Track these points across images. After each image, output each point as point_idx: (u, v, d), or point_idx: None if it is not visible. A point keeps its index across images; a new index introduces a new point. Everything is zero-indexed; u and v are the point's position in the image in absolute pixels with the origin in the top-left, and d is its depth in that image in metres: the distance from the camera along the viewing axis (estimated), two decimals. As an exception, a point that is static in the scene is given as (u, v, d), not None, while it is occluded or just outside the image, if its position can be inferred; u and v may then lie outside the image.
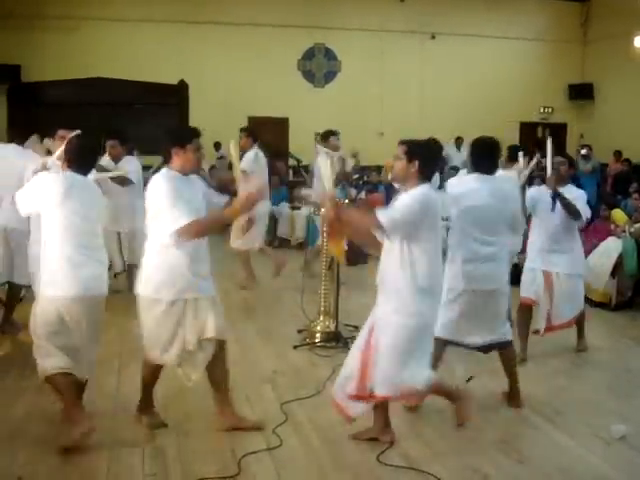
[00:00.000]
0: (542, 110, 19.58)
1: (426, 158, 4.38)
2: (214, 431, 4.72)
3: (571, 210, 6.04)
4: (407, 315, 4.28)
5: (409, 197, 4.28)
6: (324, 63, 18.37)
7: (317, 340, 6.82)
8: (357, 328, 7.14)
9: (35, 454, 4.39)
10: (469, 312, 5.11)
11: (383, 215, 4.20)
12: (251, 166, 8.71)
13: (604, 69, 18.48)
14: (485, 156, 5.26)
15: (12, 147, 6.79)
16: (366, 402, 4.50)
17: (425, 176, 4.37)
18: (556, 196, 5.99)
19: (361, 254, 11.11)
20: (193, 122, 16.91)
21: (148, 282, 4.48)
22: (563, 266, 6.25)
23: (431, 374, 4.41)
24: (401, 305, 4.31)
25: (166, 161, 4.56)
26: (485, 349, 5.29)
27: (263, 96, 16.90)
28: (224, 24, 16.84)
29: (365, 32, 17.92)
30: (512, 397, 5.34)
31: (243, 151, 8.77)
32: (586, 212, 6.18)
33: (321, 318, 6.99)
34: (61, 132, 6.08)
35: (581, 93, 19.35)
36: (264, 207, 8.70)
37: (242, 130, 9.39)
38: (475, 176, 5.26)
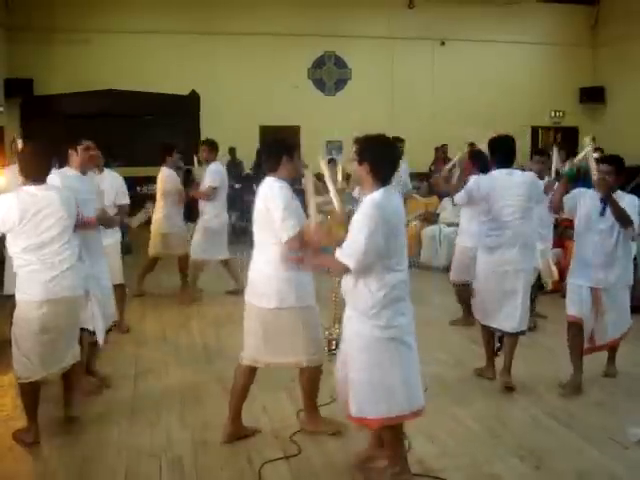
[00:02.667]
0: (553, 114, 19.54)
1: (377, 158, 3.97)
2: (231, 439, 4.74)
3: (623, 216, 5.51)
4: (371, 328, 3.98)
5: (362, 218, 3.83)
6: (334, 71, 18.42)
7: (333, 348, 6.82)
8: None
9: (52, 461, 4.43)
10: None
11: (347, 257, 3.84)
12: (215, 180, 8.74)
13: (615, 72, 18.43)
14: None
15: None
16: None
17: (379, 179, 3.94)
18: (607, 199, 5.48)
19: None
20: (205, 133, 16.99)
21: (282, 292, 4.51)
22: (612, 280, 5.75)
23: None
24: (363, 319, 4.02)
25: (271, 170, 4.62)
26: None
27: (274, 105, 16.95)
28: (234, 34, 16.91)
29: (375, 39, 17.96)
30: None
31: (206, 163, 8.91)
32: (637, 220, 5.65)
33: (336, 326, 6.99)
34: (85, 143, 5.62)
35: (592, 96, 19.30)
36: (223, 219, 8.94)
37: (203, 143, 9.19)
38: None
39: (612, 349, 6.19)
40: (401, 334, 3.98)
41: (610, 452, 4.60)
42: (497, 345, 6.07)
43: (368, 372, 3.97)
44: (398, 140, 9.07)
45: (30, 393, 4.71)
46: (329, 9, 17.40)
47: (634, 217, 5.59)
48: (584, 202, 5.72)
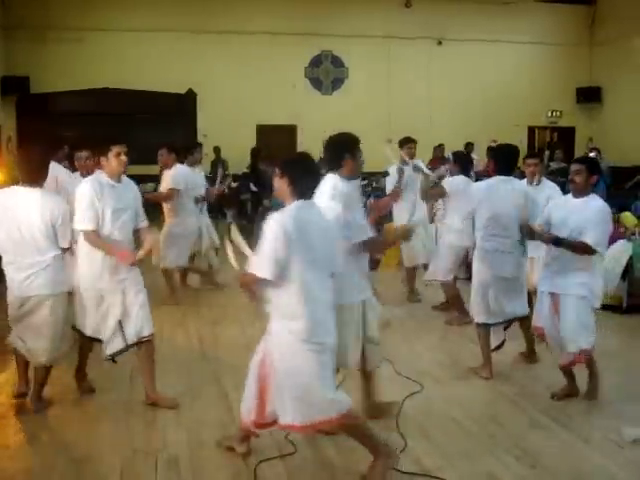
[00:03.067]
0: (550, 114, 19.57)
1: (297, 173, 4.15)
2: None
3: (578, 250, 5.24)
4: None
5: (268, 231, 3.96)
6: (331, 70, 18.42)
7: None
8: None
9: (47, 461, 4.43)
10: None
11: (258, 269, 3.98)
12: (179, 183, 8.60)
13: (612, 72, 18.46)
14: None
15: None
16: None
17: (297, 192, 4.12)
18: (557, 244, 5.28)
19: (370, 261, 11.11)
20: (201, 131, 17.02)
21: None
22: (568, 287, 5.36)
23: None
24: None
25: (332, 168, 4.78)
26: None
27: (271, 104, 16.95)
28: (231, 33, 16.91)
29: (372, 39, 17.96)
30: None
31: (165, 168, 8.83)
32: (599, 240, 5.22)
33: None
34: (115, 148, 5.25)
35: (589, 96, 19.34)
36: (188, 225, 8.82)
37: (163, 146, 8.92)
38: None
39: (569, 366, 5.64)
40: (319, 342, 4.04)
41: (606, 452, 4.61)
42: (500, 340, 6.14)
43: (290, 379, 4.03)
44: (410, 140, 9.01)
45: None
46: (326, 8, 17.42)
47: (598, 237, 5.21)
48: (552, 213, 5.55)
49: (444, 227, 8.10)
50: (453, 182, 7.94)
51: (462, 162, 8.19)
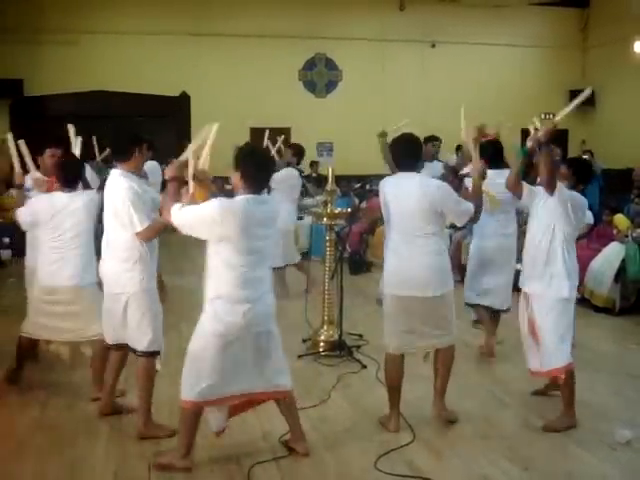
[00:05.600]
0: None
1: (249, 167, 4.24)
2: (220, 442, 4.73)
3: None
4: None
5: (207, 203, 4.15)
6: (325, 73, 18.43)
7: (321, 349, 6.83)
8: (361, 337, 7.20)
9: (41, 465, 4.42)
10: None
11: (176, 214, 4.17)
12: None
13: (605, 75, 18.49)
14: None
15: None
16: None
17: (249, 186, 4.23)
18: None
19: (363, 263, 11.15)
20: (195, 134, 16.95)
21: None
22: (538, 289, 5.11)
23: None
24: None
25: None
26: None
27: (265, 107, 16.93)
28: (225, 36, 16.90)
29: (366, 41, 17.97)
30: None
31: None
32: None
33: (325, 327, 7.00)
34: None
35: (582, 99, 19.37)
36: None
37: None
38: None
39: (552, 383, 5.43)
40: (223, 330, 4.19)
41: (599, 454, 4.62)
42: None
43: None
44: (434, 139, 9.01)
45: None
46: (320, 11, 17.42)
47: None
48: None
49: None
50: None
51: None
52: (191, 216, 4.15)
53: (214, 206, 4.08)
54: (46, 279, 5.43)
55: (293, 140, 15.98)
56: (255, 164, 4.30)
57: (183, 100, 17.11)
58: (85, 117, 15.27)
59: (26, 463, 4.46)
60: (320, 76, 18.40)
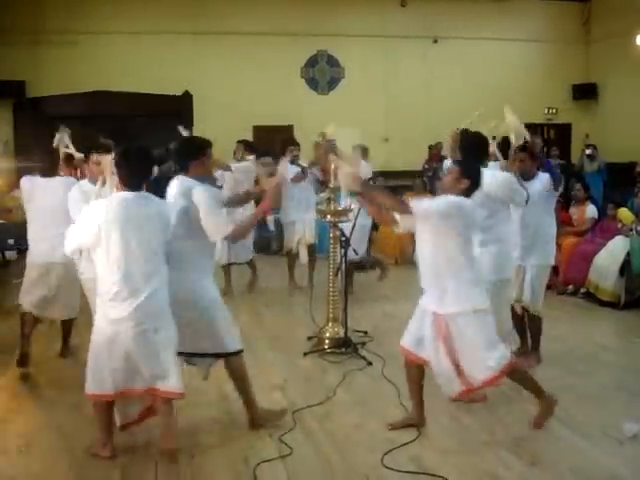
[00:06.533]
0: (546, 111, 19.55)
1: (128, 166, 4.36)
2: (226, 441, 4.74)
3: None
4: None
5: (90, 209, 4.41)
6: (327, 70, 18.40)
7: (327, 346, 6.83)
8: (366, 334, 7.21)
9: (49, 465, 4.43)
10: None
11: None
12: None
13: (607, 68, 18.45)
14: None
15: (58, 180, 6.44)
16: None
17: (124, 184, 4.36)
18: None
19: (367, 261, 11.14)
20: (197, 133, 16.99)
21: None
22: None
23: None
24: None
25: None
26: None
27: (267, 104, 16.92)
28: (226, 34, 16.89)
29: (367, 38, 17.94)
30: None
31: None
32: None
33: (330, 324, 7.00)
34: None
35: (585, 93, 19.32)
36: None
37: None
38: None
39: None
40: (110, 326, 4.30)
41: (605, 448, 4.61)
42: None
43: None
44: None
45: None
46: (321, 8, 17.39)
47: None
48: None
49: None
50: None
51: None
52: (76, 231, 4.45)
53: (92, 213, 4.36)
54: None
55: (296, 137, 16.01)
56: (132, 161, 4.40)
57: (186, 99, 17.10)
58: (88, 118, 15.34)
59: (33, 463, 4.47)
60: (322, 73, 18.37)
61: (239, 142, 10.20)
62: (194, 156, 4.74)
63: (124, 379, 4.37)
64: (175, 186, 4.68)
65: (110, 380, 4.34)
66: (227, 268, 9.27)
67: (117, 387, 4.38)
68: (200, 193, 4.54)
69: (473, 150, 5.53)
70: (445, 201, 4.53)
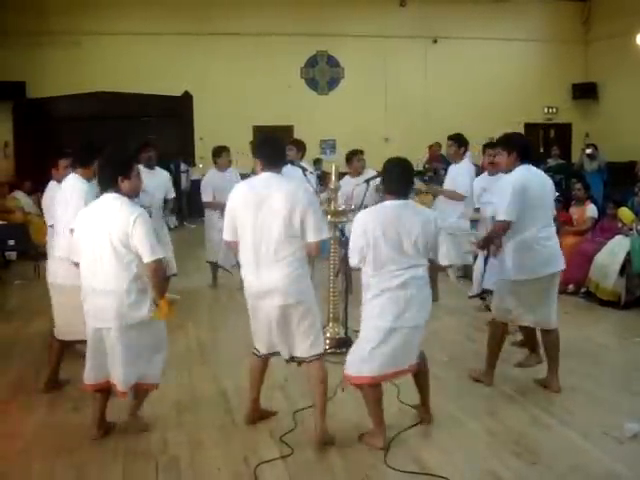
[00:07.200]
0: (546, 111, 19.58)
1: (101, 164, 4.61)
2: (227, 441, 4.74)
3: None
4: None
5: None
6: (327, 70, 18.43)
7: (327, 346, 6.81)
8: (367, 334, 7.16)
9: (49, 465, 4.43)
10: None
11: None
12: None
13: (607, 68, 18.48)
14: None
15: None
16: None
17: (100, 182, 4.59)
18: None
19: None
20: (198, 133, 17.04)
21: None
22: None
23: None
24: None
25: None
26: None
27: (267, 105, 16.95)
28: (226, 35, 16.91)
29: (367, 38, 17.97)
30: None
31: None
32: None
33: (330, 325, 6.99)
34: None
35: (585, 92, 19.35)
36: None
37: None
38: None
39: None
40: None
41: (606, 447, 4.61)
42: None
43: None
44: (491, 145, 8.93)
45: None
46: (321, 8, 17.42)
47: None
48: None
49: None
50: None
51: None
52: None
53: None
54: None
55: (298, 138, 16.03)
56: (107, 161, 4.61)
57: (186, 100, 17.13)
58: (88, 118, 15.35)
59: (34, 463, 4.47)
60: (322, 73, 18.41)
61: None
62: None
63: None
64: None
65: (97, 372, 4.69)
66: (214, 265, 9.27)
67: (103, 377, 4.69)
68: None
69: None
70: None
